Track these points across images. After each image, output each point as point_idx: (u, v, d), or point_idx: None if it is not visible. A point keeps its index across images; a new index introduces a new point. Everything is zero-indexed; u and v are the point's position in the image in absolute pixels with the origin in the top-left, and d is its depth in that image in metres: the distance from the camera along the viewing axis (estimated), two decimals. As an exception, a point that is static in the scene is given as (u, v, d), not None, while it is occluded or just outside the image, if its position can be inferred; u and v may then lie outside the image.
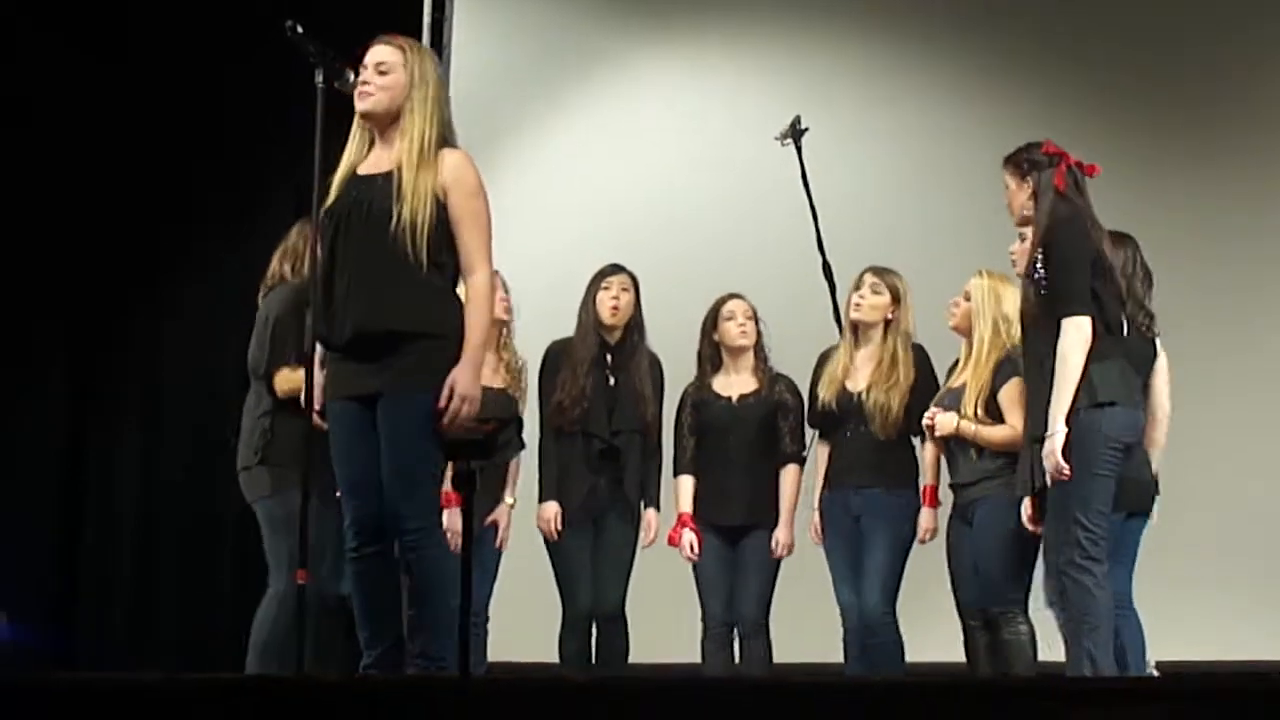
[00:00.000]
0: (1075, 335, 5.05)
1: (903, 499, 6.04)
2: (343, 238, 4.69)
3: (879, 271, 6.17)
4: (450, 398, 4.58)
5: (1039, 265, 5.15)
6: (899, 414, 6.01)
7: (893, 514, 6.02)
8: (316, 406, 4.78)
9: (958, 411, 5.84)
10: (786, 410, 6.24)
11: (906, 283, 6.18)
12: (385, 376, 4.63)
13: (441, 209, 4.67)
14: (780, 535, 6.16)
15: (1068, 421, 5.03)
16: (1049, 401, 5.06)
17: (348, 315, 4.64)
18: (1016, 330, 5.62)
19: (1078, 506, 5.04)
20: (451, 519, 5.70)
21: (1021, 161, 5.29)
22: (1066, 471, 5.01)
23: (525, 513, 6.27)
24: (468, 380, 4.61)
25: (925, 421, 5.93)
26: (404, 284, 4.62)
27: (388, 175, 4.69)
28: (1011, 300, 5.67)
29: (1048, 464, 5.04)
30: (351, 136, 4.82)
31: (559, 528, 6.13)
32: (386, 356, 4.62)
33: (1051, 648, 5.39)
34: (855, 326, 6.16)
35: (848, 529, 6.07)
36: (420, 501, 4.65)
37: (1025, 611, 5.74)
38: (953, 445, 5.92)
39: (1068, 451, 5.01)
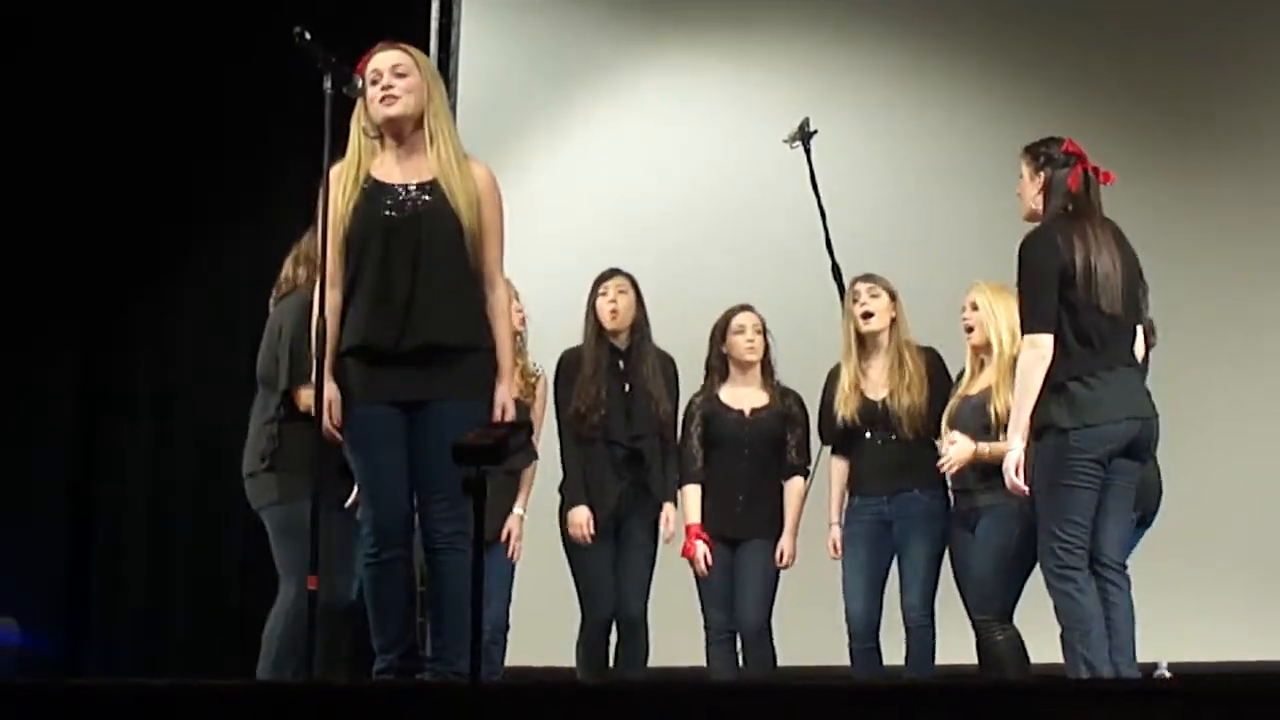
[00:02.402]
0: (1030, 353, 5.06)
1: (936, 499, 6.04)
2: (395, 247, 4.68)
3: (867, 279, 6.17)
4: (503, 416, 4.68)
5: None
6: (925, 413, 6.02)
7: (929, 515, 6.01)
8: (335, 421, 4.74)
9: (980, 420, 5.81)
10: (794, 424, 6.26)
11: (892, 281, 6.18)
12: (435, 384, 4.66)
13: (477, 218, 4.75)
14: (785, 545, 6.17)
15: (1045, 437, 5.04)
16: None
17: (409, 325, 4.65)
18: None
19: (1051, 519, 5.05)
20: None
21: (1039, 154, 5.25)
22: (1023, 490, 5.07)
23: (535, 520, 6.26)
24: (511, 398, 4.76)
25: (941, 464, 5.90)
26: (461, 294, 4.70)
27: (430, 185, 4.72)
28: (1012, 303, 5.67)
29: (1005, 479, 5.11)
30: (354, 142, 4.80)
31: (592, 531, 6.14)
32: (442, 366, 4.66)
33: (1046, 651, 5.40)
34: (862, 338, 6.14)
35: (875, 535, 6.06)
36: (457, 507, 4.66)
37: (1009, 618, 5.75)
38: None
39: (1040, 464, 5.03)
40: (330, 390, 4.72)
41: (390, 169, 4.78)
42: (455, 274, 4.69)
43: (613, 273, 6.31)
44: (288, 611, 5.40)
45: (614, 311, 6.23)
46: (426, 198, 4.71)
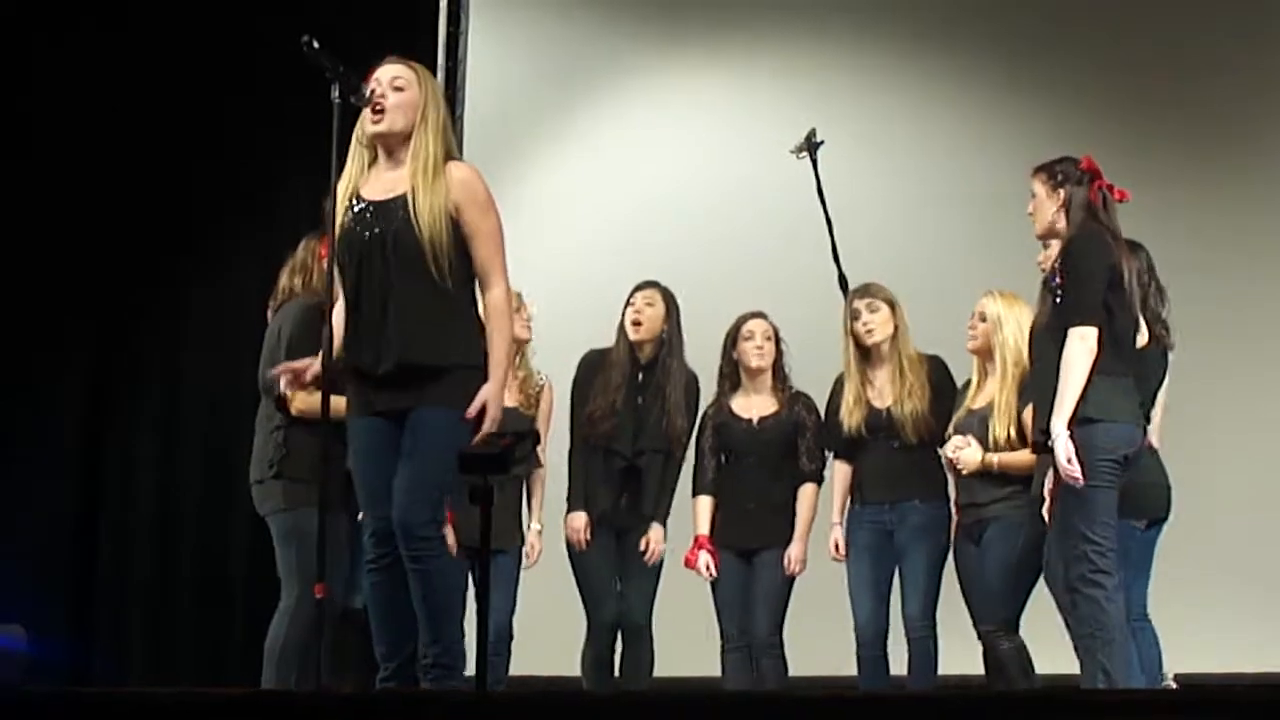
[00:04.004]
0: (1079, 345, 5.05)
1: (939, 510, 6.03)
2: (368, 267, 4.69)
3: (865, 293, 6.17)
4: (482, 416, 4.62)
5: (1057, 275, 5.16)
6: (929, 418, 6.02)
7: (929, 526, 6.01)
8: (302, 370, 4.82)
9: (985, 433, 5.81)
10: (805, 429, 6.24)
11: (891, 291, 6.18)
12: (419, 394, 4.65)
13: (455, 225, 4.69)
14: (794, 552, 6.15)
15: (1070, 431, 5.02)
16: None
17: (385, 349, 4.65)
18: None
19: (1081, 521, 5.03)
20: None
21: (1056, 172, 5.28)
22: (1078, 474, 5.00)
23: (548, 527, 6.25)
24: (498, 399, 4.68)
25: (950, 454, 5.90)
26: (438, 314, 4.66)
27: (402, 200, 4.69)
28: (1027, 317, 5.67)
29: (1061, 468, 5.03)
30: (351, 156, 4.80)
31: (588, 537, 6.14)
32: (418, 383, 4.65)
33: (1054, 660, 5.39)
34: (867, 350, 6.14)
35: (877, 544, 6.07)
36: (430, 513, 4.66)
37: (1015, 629, 5.77)
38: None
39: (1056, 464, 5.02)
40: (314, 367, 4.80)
41: (373, 185, 4.79)
42: (424, 291, 4.65)
43: (643, 285, 6.32)
44: (289, 619, 5.42)
45: (637, 323, 6.24)
46: (389, 215, 4.69)
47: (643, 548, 6.16)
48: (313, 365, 4.85)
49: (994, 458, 5.78)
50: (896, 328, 6.13)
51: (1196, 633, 6.73)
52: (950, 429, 5.95)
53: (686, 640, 6.33)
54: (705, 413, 6.33)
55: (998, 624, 5.78)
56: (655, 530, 6.19)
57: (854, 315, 6.15)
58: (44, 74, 7.77)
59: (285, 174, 7.59)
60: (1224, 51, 7.97)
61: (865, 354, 6.15)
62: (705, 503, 6.26)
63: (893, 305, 6.15)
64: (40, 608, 7.21)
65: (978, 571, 5.84)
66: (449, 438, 4.56)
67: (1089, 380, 5.03)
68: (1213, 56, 7.97)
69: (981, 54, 8.17)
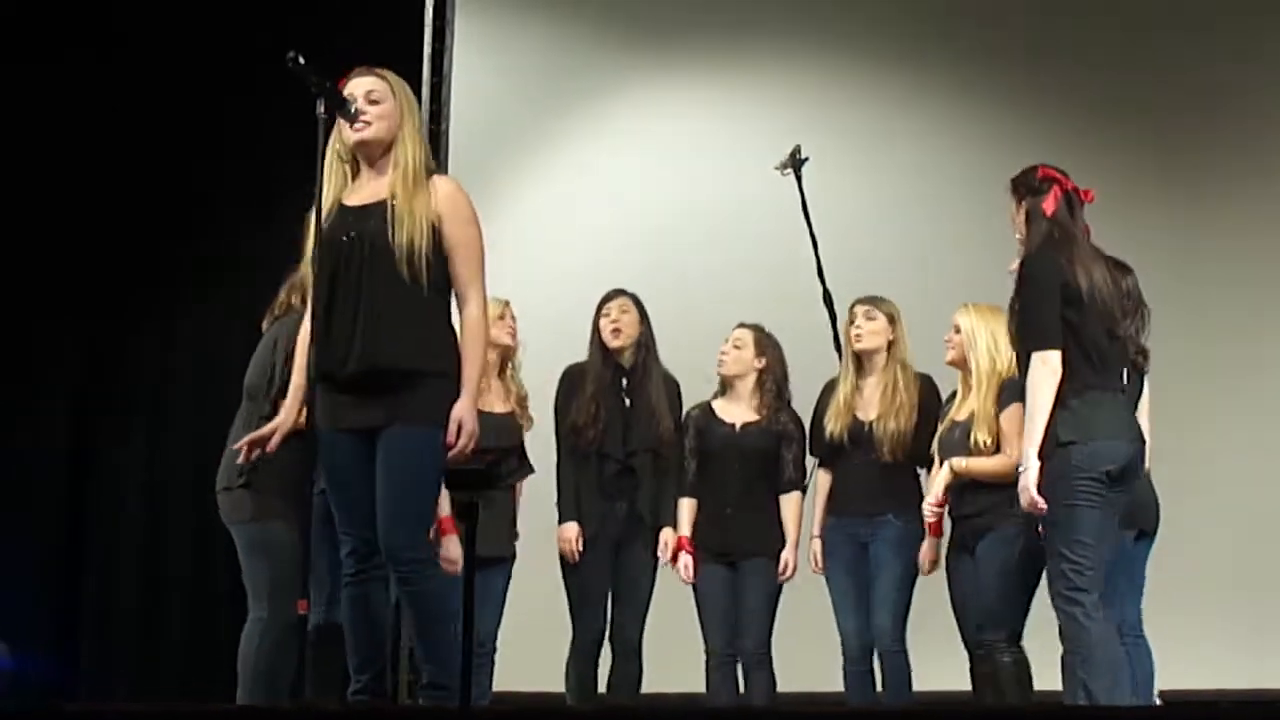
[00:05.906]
0: (1040, 369, 5.01)
1: (912, 525, 6.04)
2: (343, 270, 4.67)
3: (868, 300, 6.22)
4: (458, 435, 4.60)
5: (1016, 299, 5.17)
6: (909, 439, 6.04)
7: (903, 540, 6.02)
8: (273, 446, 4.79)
9: (969, 444, 5.82)
10: (790, 440, 6.25)
11: (897, 306, 6.22)
12: (389, 410, 4.61)
13: (437, 235, 4.68)
14: (788, 556, 6.16)
15: (1046, 455, 5.01)
16: None
17: (353, 350, 4.62)
18: (1009, 356, 5.64)
19: (1059, 540, 5.00)
20: (450, 547, 5.74)
21: (1019, 185, 5.27)
22: (1041, 506, 4.98)
23: (532, 540, 6.25)
24: (472, 416, 4.64)
25: (928, 505, 5.90)
26: (411, 318, 4.63)
27: (381, 204, 4.69)
28: (1001, 327, 5.68)
29: (1022, 499, 5.03)
30: (329, 168, 4.78)
31: (579, 549, 6.15)
32: (391, 391, 4.61)
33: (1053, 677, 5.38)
34: (858, 357, 6.18)
35: (853, 556, 6.09)
36: (416, 534, 4.64)
37: (1017, 641, 5.75)
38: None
39: (1044, 486, 4.99)
40: (286, 420, 4.77)
41: (360, 192, 4.78)
42: (397, 294, 4.62)
43: (616, 293, 6.35)
44: (260, 634, 5.39)
45: (616, 330, 6.26)
46: (366, 218, 4.69)
47: (660, 554, 6.16)
48: (276, 433, 4.81)
49: (961, 462, 5.79)
50: (893, 342, 6.16)
51: (1181, 650, 6.74)
52: (935, 443, 5.97)
53: (673, 655, 6.31)
54: (689, 414, 6.34)
55: (1000, 636, 5.76)
56: (666, 533, 6.20)
57: (850, 319, 6.20)
58: (42, 80, 7.78)
59: (277, 184, 7.58)
60: (1217, 58, 7.98)
61: (859, 362, 6.19)
62: (686, 505, 6.26)
63: (892, 319, 6.18)
64: (23, 623, 7.20)
65: (976, 583, 5.82)
66: (424, 457, 4.54)
67: (1064, 402, 5.02)
68: (1208, 64, 7.99)
69: (964, 66, 8.19)
